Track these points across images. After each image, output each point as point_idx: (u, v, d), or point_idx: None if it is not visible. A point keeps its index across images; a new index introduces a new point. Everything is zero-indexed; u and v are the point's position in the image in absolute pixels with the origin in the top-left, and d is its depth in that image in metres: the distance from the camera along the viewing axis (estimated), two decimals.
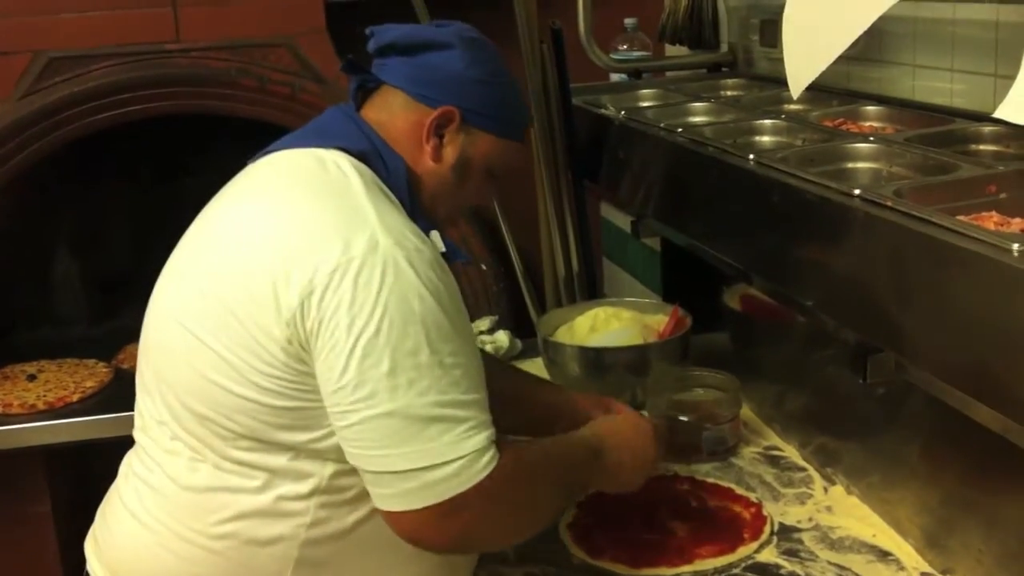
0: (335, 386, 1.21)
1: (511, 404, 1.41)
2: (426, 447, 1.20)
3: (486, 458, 1.23)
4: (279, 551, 1.30)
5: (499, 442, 1.26)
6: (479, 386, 1.26)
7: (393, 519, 1.24)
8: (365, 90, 1.45)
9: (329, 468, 1.29)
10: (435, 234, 1.37)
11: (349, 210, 1.27)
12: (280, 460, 1.29)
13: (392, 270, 1.21)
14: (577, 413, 1.65)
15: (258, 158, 1.44)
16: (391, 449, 1.20)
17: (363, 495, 1.29)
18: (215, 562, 1.31)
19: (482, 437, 1.23)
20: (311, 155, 1.36)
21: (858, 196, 1.29)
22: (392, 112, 1.41)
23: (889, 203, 1.23)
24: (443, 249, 1.37)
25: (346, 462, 1.27)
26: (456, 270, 1.39)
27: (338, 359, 1.20)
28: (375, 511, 1.29)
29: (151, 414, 1.38)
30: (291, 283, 1.22)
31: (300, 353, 1.23)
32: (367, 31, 1.45)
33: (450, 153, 1.41)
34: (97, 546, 1.43)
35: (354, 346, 1.19)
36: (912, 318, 1.19)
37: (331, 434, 1.27)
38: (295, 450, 1.28)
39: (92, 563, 1.42)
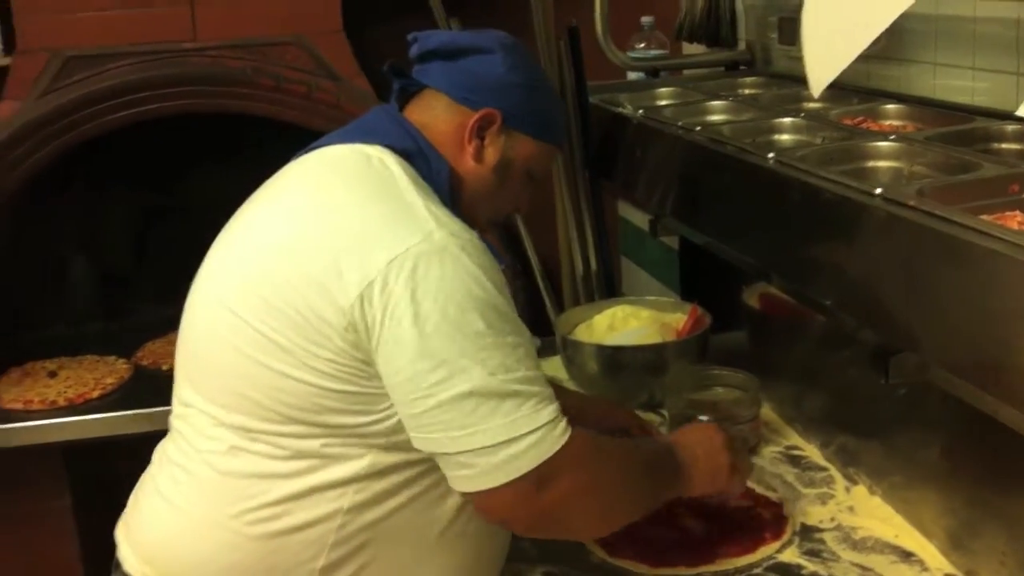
0: (407, 375, 1.24)
1: None
2: (505, 421, 1.23)
3: (561, 426, 1.27)
4: (314, 536, 1.32)
5: (570, 422, 1.29)
6: (537, 363, 1.30)
7: (482, 500, 1.27)
8: (407, 93, 1.48)
9: (371, 455, 1.31)
10: (474, 233, 1.39)
11: (399, 204, 1.30)
12: (325, 446, 1.30)
13: (449, 258, 1.24)
14: (603, 419, 1.69)
15: (302, 154, 1.46)
16: (474, 427, 1.23)
17: (401, 485, 1.32)
18: (250, 547, 1.33)
19: (552, 408, 1.27)
20: (357, 151, 1.39)
21: (880, 195, 1.28)
22: (435, 114, 1.44)
23: (911, 202, 1.22)
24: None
25: (388, 450, 1.30)
26: None
27: (406, 348, 1.23)
28: (411, 500, 1.32)
29: (191, 401, 1.40)
30: (348, 274, 1.24)
31: (358, 341, 1.25)
32: (410, 37, 1.49)
33: (491, 154, 1.44)
34: (128, 532, 1.45)
35: (421, 334, 1.22)
36: (934, 318, 1.18)
37: (380, 419, 1.29)
38: (342, 435, 1.30)
39: (123, 548, 1.44)
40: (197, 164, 2.67)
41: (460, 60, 1.43)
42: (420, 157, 1.40)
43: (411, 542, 1.35)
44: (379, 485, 1.32)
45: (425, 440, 1.26)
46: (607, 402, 1.86)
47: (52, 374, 2.56)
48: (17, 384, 2.51)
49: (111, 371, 2.58)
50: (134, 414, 2.35)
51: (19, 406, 2.42)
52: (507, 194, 1.49)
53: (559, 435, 1.26)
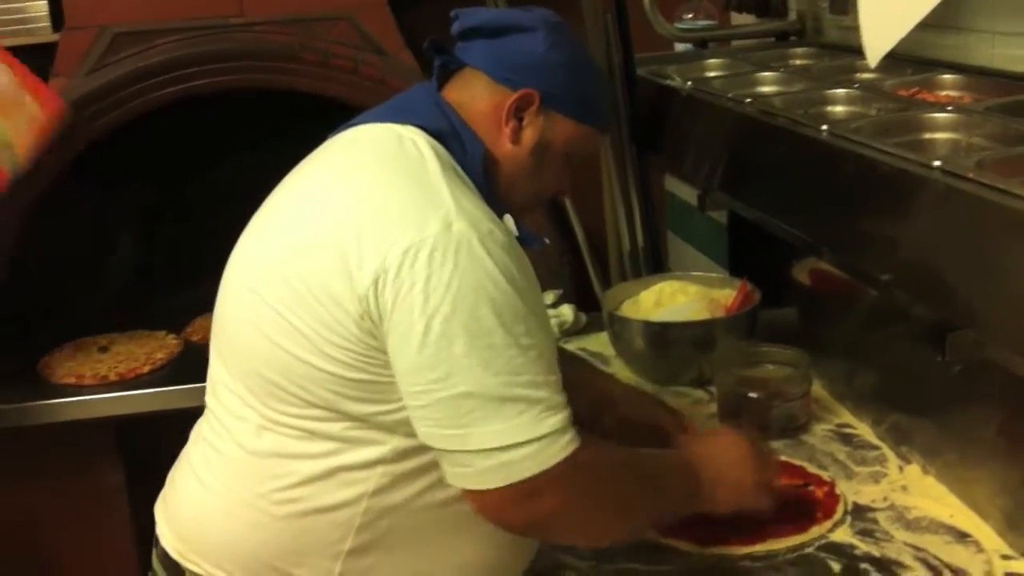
0: (410, 366, 1.22)
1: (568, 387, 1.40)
2: (503, 427, 1.20)
3: (564, 439, 1.23)
4: (341, 518, 1.31)
5: (579, 432, 1.25)
6: (554, 368, 1.26)
7: (470, 497, 1.25)
8: (447, 71, 1.45)
9: (395, 440, 1.30)
10: (508, 218, 1.37)
11: (424, 190, 1.27)
12: (348, 430, 1.30)
13: (466, 251, 1.21)
14: (634, 406, 1.66)
15: (339, 131, 1.45)
16: (467, 428, 1.20)
17: (426, 468, 1.30)
18: (278, 527, 1.33)
19: (559, 418, 1.23)
20: (390, 131, 1.37)
21: (938, 168, 1.25)
22: (473, 93, 1.40)
23: (971, 175, 1.19)
24: (516, 233, 1.36)
25: (411, 436, 1.28)
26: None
27: (412, 339, 1.20)
28: (437, 482, 1.30)
29: (223, 380, 1.40)
30: (365, 260, 1.23)
31: (373, 329, 1.24)
32: (452, 14, 1.45)
33: (529, 136, 1.40)
34: (166, 509, 1.46)
35: (428, 326, 1.19)
36: (994, 294, 1.15)
37: (399, 408, 1.27)
38: (363, 421, 1.29)
39: (160, 526, 1.45)
40: (246, 141, 2.67)
41: (501, 38, 1.40)
42: (454, 138, 1.37)
43: (438, 527, 1.33)
44: (403, 468, 1.31)
45: (423, 433, 1.25)
46: (643, 395, 1.80)
47: (103, 349, 2.59)
48: (69, 359, 2.55)
49: (161, 346, 2.60)
50: (184, 389, 2.38)
51: (71, 381, 2.46)
52: (546, 177, 1.45)
53: (560, 448, 1.22)
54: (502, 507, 1.24)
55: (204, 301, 2.63)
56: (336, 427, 1.30)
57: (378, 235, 1.23)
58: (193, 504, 1.41)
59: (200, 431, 1.46)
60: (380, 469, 1.30)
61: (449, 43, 1.46)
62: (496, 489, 1.22)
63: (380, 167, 1.33)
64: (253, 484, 1.34)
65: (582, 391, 1.54)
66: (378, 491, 1.31)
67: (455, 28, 1.44)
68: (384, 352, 1.25)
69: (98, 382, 2.44)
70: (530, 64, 1.38)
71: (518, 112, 1.39)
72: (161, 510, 1.47)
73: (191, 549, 1.39)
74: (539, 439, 1.21)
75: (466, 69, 1.42)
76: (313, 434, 1.31)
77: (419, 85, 1.47)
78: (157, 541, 1.45)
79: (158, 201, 2.90)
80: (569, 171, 1.48)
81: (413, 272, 1.20)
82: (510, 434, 1.20)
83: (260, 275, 1.34)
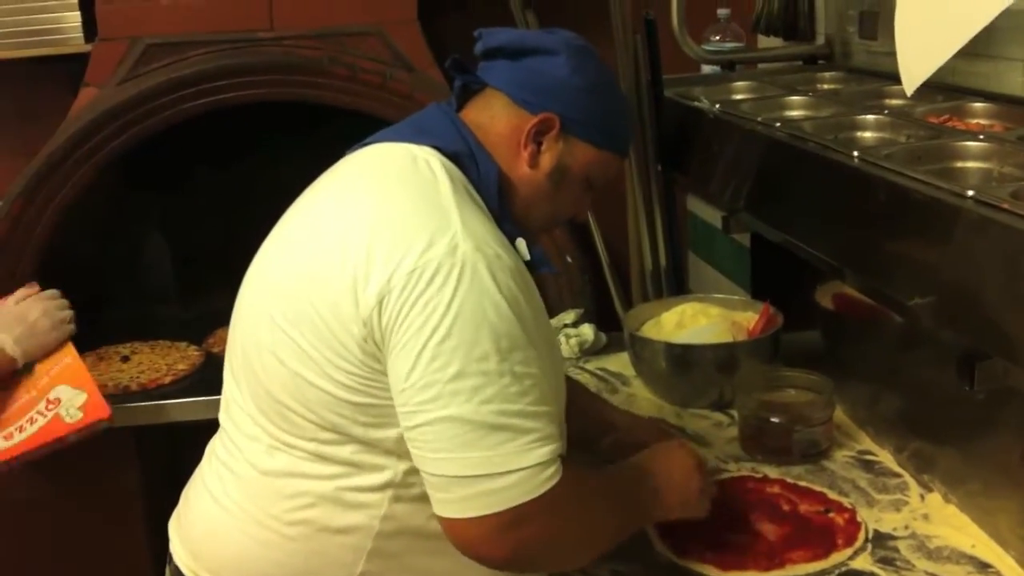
0: (402, 386, 1.21)
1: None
2: (487, 455, 1.19)
3: (548, 472, 1.21)
4: (352, 541, 1.31)
5: (564, 460, 1.24)
6: (551, 399, 1.24)
7: (449, 526, 1.23)
8: (469, 91, 1.44)
9: (403, 464, 1.29)
10: (520, 242, 1.35)
11: (434, 211, 1.26)
12: (356, 453, 1.29)
13: (469, 274, 1.20)
14: (628, 432, 1.68)
15: (355, 149, 1.44)
16: (452, 453, 1.19)
17: None
18: (290, 548, 1.33)
19: (547, 450, 1.21)
20: (405, 151, 1.36)
21: (971, 197, 1.24)
22: (492, 115, 1.40)
23: (1005, 205, 1.19)
24: (527, 258, 1.35)
25: None
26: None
27: (407, 359, 1.20)
28: None
29: (235, 399, 1.40)
30: (370, 282, 1.22)
31: (375, 352, 1.23)
32: (475, 33, 1.45)
33: (547, 161, 1.39)
34: (179, 526, 1.46)
35: (423, 347, 1.19)
36: None
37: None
38: (371, 445, 1.29)
39: (174, 543, 1.45)
40: (277, 151, 2.69)
41: (523, 60, 1.38)
42: (470, 160, 1.36)
43: (450, 551, 1.30)
44: (413, 492, 1.30)
45: (414, 455, 1.24)
46: (640, 420, 1.79)
47: (125, 359, 2.60)
48: (91, 368, 2.55)
49: (183, 357, 2.61)
50: (205, 400, 2.38)
51: None
52: (563, 200, 1.43)
53: (544, 480, 1.21)
54: (476, 538, 1.22)
55: (225, 312, 2.65)
56: (345, 450, 1.29)
57: (384, 256, 1.23)
58: (206, 522, 1.41)
59: (214, 449, 1.46)
60: (390, 493, 1.30)
61: (473, 62, 1.46)
62: (474, 518, 1.20)
63: (391, 188, 1.32)
64: (265, 504, 1.34)
65: (583, 416, 1.55)
66: (389, 516, 1.30)
67: (478, 48, 1.44)
68: (387, 375, 1.24)
69: (119, 392, 2.44)
70: (551, 88, 1.37)
71: (537, 136, 1.38)
72: (175, 527, 1.47)
73: (203, 567, 1.39)
74: (523, 469, 1.19)
75: (487, 89, 1.42)
76: (323, 457, 1.30)
77: (436, 105, 1.46)
78: (171, 558, 1.45)
79: (183, 211, 2.91)
80: (590, 195, 1.47)
81: (414, 293, 1.19)
82: (493, 463, 1.19)
83: (272, 297, 1.34)
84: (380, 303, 1.21)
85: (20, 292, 2.18)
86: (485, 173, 1.36)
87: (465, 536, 1.23)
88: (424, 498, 1.29)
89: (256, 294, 1.39)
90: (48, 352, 2.14)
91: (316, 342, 1.26)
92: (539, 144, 1.38)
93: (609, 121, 1.42)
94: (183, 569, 1.41)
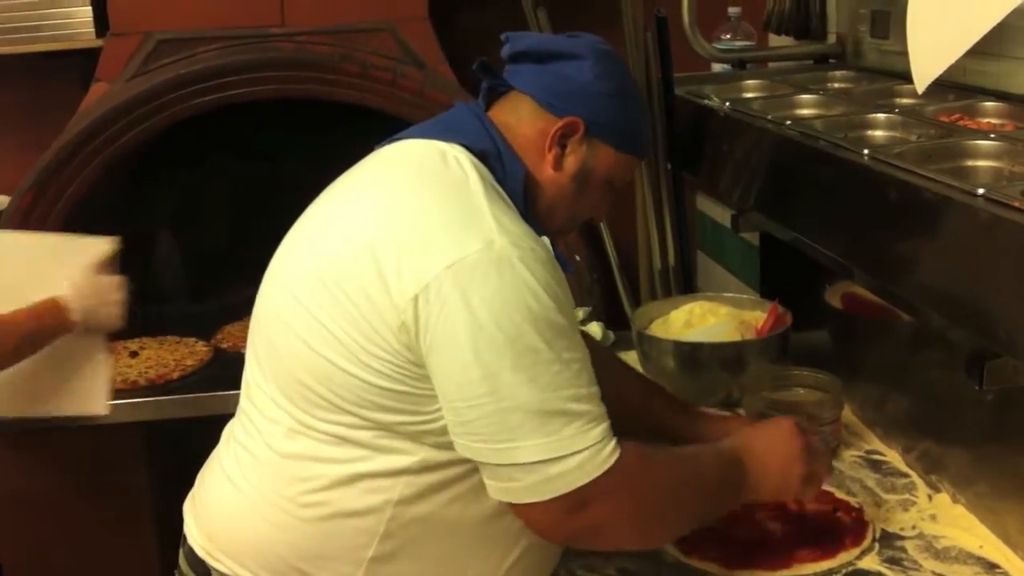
0: (457, 381, 1.23)
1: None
2: (549, 440, 1.22)
3: (608, 449, 1.25)
4: (365, 524, 1.32)
5: (621, 440, 1.27)
6: (593, 380, 1.27)
7: (519, 511, 1.27)
8: (495, 93, 1.46)
9: (422, 451, 1.31)
10: (545, 240, 1.37)
11: (466, 207, 1.29)
12: (377, 438, 1.31)
13: (508, 268, 1.23)
14: (671, 418, 1.69)
15: (384, 145, 1.46)
16: (514, 443, 1.22)
17: (451, 481, 1.32)
18: (304, 530, 1.34)
19: (601, 429, 1.25)
20: (434, 148, 1.38)
21: (982, 196, 1.24)
22: (519, 117, 1.42)
23: (1016, 204, 1.18)
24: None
25: (438, 448, 1.30)
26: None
27: (458, 355, 1.22)
28: (463, 494, 1.33)
29: (257, 382, 1.42)
30: (404, 274, 1.24)
31: (410, 342, 1.25)
32: (502, 37, 1.47)
33: (571, 163, 1.41)
34: (194, 507, 1.48)
35: (474, 344, 1.21)
36: None
37: (429, 420, 1.29)
38: (392, 430, 1.30)
39: (189, 524, 1.47)
40: (288, 148, 2.69)
41: (549, 64, 1.41)
42: (497, 159, 1.38)
43: (463, 536, 1.35)
44: (430, 479, 1.32)
45: (466, 447, 1.26)
46: (682, 408, 1.77)
47: (134, 354, 2.60)
48: None
49: (191, 353, 2.61)
50: (213, 396, 2.39)
51: None
52: (585, 202, 1.46)
53: (604, 458, 1.24)
54: (552, 520, 1.26)
55: (234, 308, 2.65)
56: (366, 435, 1.31)
57: (419, 250, 1.25)
58: (222, 503, 1.42)
59: (232, 431, 1.47)
60: (404, 479, 1.31)
61: (497, 64, 1.47)
62: (545, 502, 1.24)
63: (423, 183, 1.34)
64: (281, 486, 1.35)
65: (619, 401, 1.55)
66: (403, 500, 1.32)
67: (505, 51, 1.46)
68: (419, 365, 1.26)
69: (128, 387, 2.45)
70: (576, 92, 1.40)
71: (562, 139, 1.40)
72: (190, 508, 1.49)
73: (218, 548, 1.41)
74: (584, 450, 1.23)
75: (512, 92, 1.44)
76: (343, 440, 1.32)
77: (465, 105, 1.48)
78: (184, 539, 1.46)
79: (194, 207, 2.92)
80: (610, 198, 1.50)
81: (456, 289, 1.21)
82: (556, 447, 1.22)
83: (302, 281, 1.35)
84: (417, 297, 1.23)
85: (105, 254, 2.08)
86: (512, 173, 1.38)
87: (534, 520, 1.27)
88: (438, 487, 1.32)
89: (284, 279, 1.40)
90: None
91: (349, 328, 1.28)
92: (564, 147, 1.40)
93: (631, 125, 1.46)
94: (197, 550, 1.43)
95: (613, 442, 1.26)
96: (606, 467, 1.24)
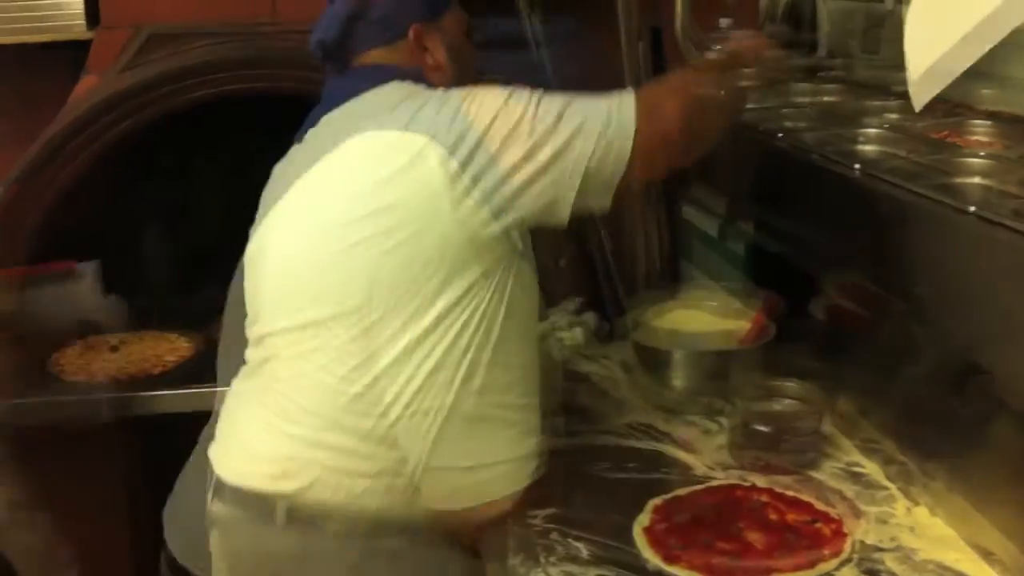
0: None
1: None
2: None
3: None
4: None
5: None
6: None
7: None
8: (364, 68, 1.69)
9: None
10: None
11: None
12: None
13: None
14: None
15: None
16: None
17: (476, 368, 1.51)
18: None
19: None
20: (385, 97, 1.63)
21: (973, 213, 1.25)
22: (392, 57, 1.66)
23: (1008, 223, 1.19)
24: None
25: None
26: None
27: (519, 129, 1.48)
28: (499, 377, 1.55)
29: (290, 322, 1.53)
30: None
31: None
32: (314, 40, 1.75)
33: (440, 53, 1.67)
34: (225, 451, 1.59)
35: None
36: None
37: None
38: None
39: (223, 468, 1.57)
40: (278, 143, 2.67)
41: (366, 14, 1.66)
42: (420, 79, 1.63)
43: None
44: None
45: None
46: None
47: (114, 348, 2.59)
48: (80, 357, 2.55)
49: (172, 348, 2.60)
50: (193, 392, 2.37)
51: (81, 379, 2.46)
52: (467, 60, 1.72)
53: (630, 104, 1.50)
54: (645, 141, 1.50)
55: (218, 305, 2.64)
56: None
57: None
58: (270, 439, 1.55)
59: (261, 378, 1.59)
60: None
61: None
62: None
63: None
64: (344, 410, 1.51)
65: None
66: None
67: (321, 51, 1.74)
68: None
69: (107, 381, 2.43)
70: (391, 13, 1.66)
71: (421, 44, 1.66)
72: (220, 455, 1.58)
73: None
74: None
75: (372, 53, 1.67)
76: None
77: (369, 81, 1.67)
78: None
79: (182, 201, 2.91)
80: (470, 41, 1.75)
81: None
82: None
83: (324, 216, 1.53)
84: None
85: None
86: (424, 81, 1.63)
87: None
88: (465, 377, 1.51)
89: (309, 231, 1.55)
90: None
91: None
92: (425, 48, 1.66)
93: None
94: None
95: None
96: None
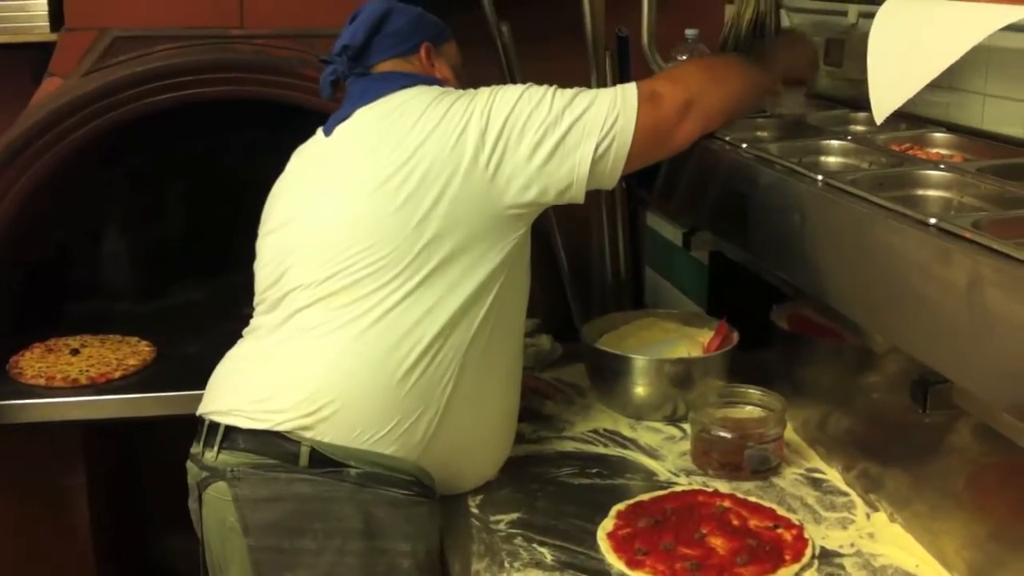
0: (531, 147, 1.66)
1: None
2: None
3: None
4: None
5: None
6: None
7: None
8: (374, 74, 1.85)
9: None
10: None
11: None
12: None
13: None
14: None
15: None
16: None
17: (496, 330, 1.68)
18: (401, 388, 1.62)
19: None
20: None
21: (934, 225, 1.27)
22: (406, 67, 1.84)
23: (967, 234, 1.22)
24: None
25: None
26: None
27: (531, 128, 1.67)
28: (498, 345, 1.70)
29: (321, 274, 1.65)
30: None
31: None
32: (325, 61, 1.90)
33: (445, 69, 1.87)
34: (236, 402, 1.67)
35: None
36: (985, 351, 1.17)
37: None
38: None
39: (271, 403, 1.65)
40: (245, 148, 2.66)
41: (384, 28, 1.83)
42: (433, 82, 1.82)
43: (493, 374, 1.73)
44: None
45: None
46: None
47: (75, 352, 2.55)
48: (40, 360, 2.52)
49: (133, 352, 2.57)
50: (155, 397, 2.35)
51: (41, 382, 2.42)
52: (461, 79, 1.90)
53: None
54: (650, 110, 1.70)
55: (182, 309, 2.61)
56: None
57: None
58: (311, 373, 1.65)
59: (286, 328, 1.70)
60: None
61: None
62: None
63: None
64: (379, 349, 1.65)
65: None
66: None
67: (344, 58, 1.85)
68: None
69: (68, 385, 2.41)
70: (403, 31, 1.84)
71: (430, 59, 1.85)
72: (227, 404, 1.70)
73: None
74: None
75: (388, 63, 1.83)
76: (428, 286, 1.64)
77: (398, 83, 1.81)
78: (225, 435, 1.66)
79: (146, 206, 2.88)
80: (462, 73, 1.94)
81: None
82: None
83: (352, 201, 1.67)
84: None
85: None
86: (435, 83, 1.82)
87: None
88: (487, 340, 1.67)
89: (335, 196, 1.69)
90: None
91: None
92: (433, 64, 1.85)
93: (439, 23, 1.91)
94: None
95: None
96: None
